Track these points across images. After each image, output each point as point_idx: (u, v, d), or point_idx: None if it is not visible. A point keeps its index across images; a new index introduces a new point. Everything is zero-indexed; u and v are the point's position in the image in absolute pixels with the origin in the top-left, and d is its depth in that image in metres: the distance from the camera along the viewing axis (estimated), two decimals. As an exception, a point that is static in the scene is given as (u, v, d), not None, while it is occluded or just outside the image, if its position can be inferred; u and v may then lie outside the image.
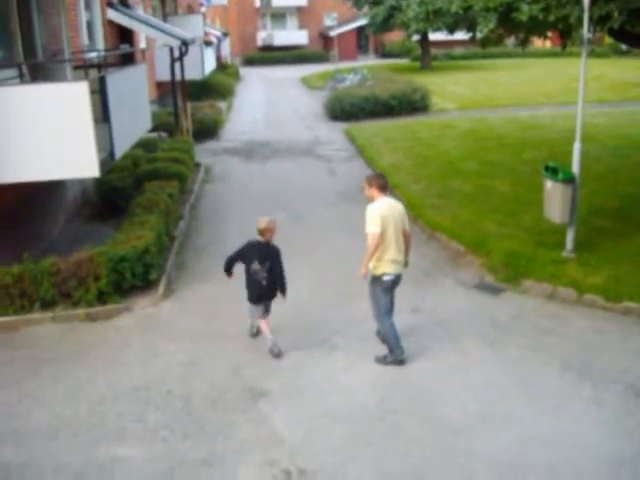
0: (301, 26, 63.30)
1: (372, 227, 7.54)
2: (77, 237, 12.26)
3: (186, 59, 19.56)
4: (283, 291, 8.22)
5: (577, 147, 10.01)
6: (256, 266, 8.05)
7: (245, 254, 8.17)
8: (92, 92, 9.28)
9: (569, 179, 9.99)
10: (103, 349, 8.61)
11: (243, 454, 6.45)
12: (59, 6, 13.60)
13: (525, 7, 10.77)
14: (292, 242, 10.34)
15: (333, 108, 26.09)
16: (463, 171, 16.19)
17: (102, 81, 10.10)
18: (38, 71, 12.20)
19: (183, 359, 8.25)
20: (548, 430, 6.62)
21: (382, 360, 7.93)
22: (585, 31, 9.68)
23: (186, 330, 9.04)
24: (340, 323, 9.01)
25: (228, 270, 8.36)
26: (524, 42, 14.15)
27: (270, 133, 24.09)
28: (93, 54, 15.75)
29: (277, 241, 8.25)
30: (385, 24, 42.98)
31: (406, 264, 7.97)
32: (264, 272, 8.06)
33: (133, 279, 9.78)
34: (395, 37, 54.80)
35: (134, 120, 12.42)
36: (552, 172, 10.17)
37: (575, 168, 10.06)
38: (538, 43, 42.59)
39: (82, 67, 13.73)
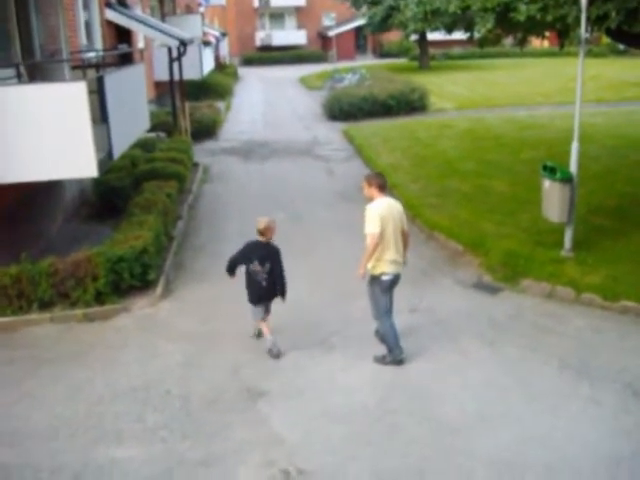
0: (299, 26, 63.30)
1: (371, 227, 7.53)
2: (75, 237, 12.24)
3: (184, 59, 19.57)
4: (283, 293, 8.17)
5: (575, 147, 10.02)
6: (256, 266, 8.02)
7: (245, 254, 8.15)
8: (90, 92, 9.29)
9: (567, 178, 10.00)
10: (101, 349, 8.61)
11: (242, 454, 6.44)
12: (57, 6, 13.60)
13: (523, 7, 10.76)
14: (291, 242, 10.33)
15: (331, 108, 26.10)
16: (461, 171, 16.20)
17: (100, 81, 10.10)
18: (36, 71, 12.19)
19: (181, 359, 8.25)
20: (546, 429, 6.63)
21: (381, 360, 7.93)
22: (583, 31, 9.70)
23: (184, 330, 9.03)
24: (339, 323, 9.01)
25: (232, 272, 8.31)
26: (522, 42, 14.13)
27: (268, 133, 24.09)
28: (91, 54, 15.74)
29: (276, 241, 8.24)
30: (383, 24, 43.04)
31: (404, 263, 7.97)
32: (264, 273, 8.02)
33: (131, 279, 9.78)
34: (393, 37, 54.80)
35: (132, 120, 12.42)
36: (550, 171, 10.18)
37: (573, 167, 10.07)
38: (536, 43, 42.58)
39: (80, 67, 13.73)
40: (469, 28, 14.15)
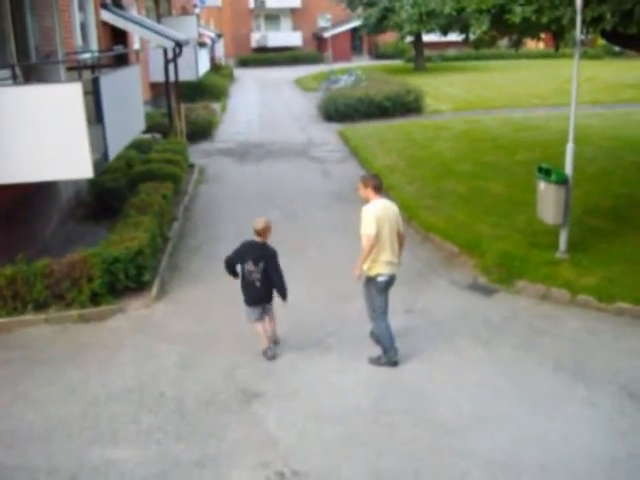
0: (295, 27, 63.32)
1: (368, 228, 7.53)
2: (70, 238, 12.23)
3: (180, 60, 19.55)
4: (283, 294, 8.09)
5: (570, 148, 10.03)
6: (250, 267, 7.97)
7: (240, 254, 8.11)
8: (86, 93, 9.27)
9: (562, 180, 10.01)
10: (96, 350, 8.59)
11: (236, 456, 6.44)
12: (52, 7, 13.58)
13: (518, 9, 10.79)
14: (286, 243, 10.33)
15: (327, 109, 26.12)
16: (457, 172, 16.21)
17: (96, 82, 10.08)
18: (31, 72, 12.17)
19: (176, 360, 8.24)
20: (542, 431, 6.64)
21: (376, 361, 7.93)
22: (578, 33, 9.71)
23: (179, 331, 9.02)
24: (335, 324, 9.01)
25: (232, 272, 8.23)
26: (517, 44, 14.17)
27: (264, 134, 24.09)
28: (87, 55, 15.73)
29: (271, 242, 8.20)
30: (379, 25, 43.07)
31: (399, 264, 7.97)
32: (258, 273, 7.97)
33: (126, 280, 9.77)
34: (389, 38, 54.83)
35: (128, 121, 12.41)
36: (545, 173, 10.19)
37: (568, 169, 10.08)
38: (531, 45, 42.82)
39: (76, 68, 13.72)
40: (464, 30, 14.20)
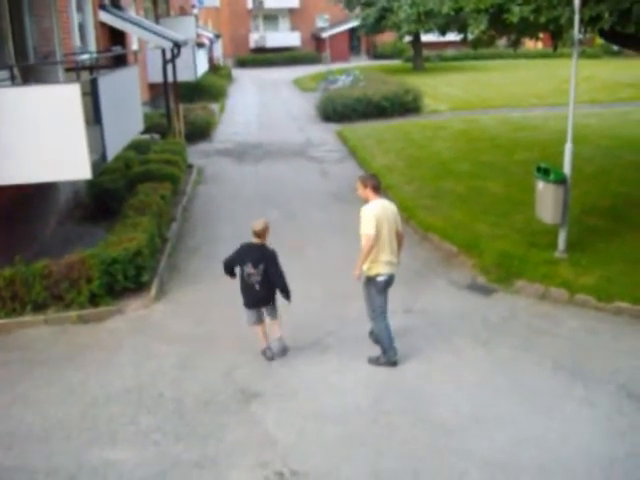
0: (293, 28, 63.32)
1: (367, 228, 7.53)
2: (69, 239, 12.23)
3: (178, 61, 19.54)
4: (287, 295, 8.02)
5: (569, 148, 10.03)
6: (250, 269, 7.89)
7: (240, 256, 8.05)
8: (84, 94, 9.27)
9: (561, 180, 10.02)
10: (95, 351, 8.59)
11: (235, 456, 6.44)
12: (51, 8, 13.58)
13: (516, 8, 10.78)
14: (285, 243, 10.31)
15: (325, 109, 26.11)
16: (456, 172, 16.21)
17: (94, 83, 10.08)
18: (29, 73, 12.17)
19: (175, 361, 8.24)
20: (540, 430, 6.64)
21: (375, 361, 7.94)
22: (576, 32, 9.72)
23: (178, 332, 9.02)
24: (333, 324, 9.01)
25: (230, 272, 8.18)
26: (515, 43, 14.17)
27: (262, 134, 24.09)
28: (85, 56, 15.72)
29: (270, 242, 8.18)
30: (377, 25, 43.04)
31: (398, 263, 7.97)
32: (257, 275, 7.89)
33: (125, 281, 9.77)
34: (387, 38, 54.85)
35: (126, 122, 12.41)
36: (544, 173, 10.20)
37: (567, 169, 10.08)
38: (529, 44, 42.78)
39: (74, 69, 13.68)
40: (462, 29, 14.19)
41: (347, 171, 17.48)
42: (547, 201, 10.22)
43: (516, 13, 10.76)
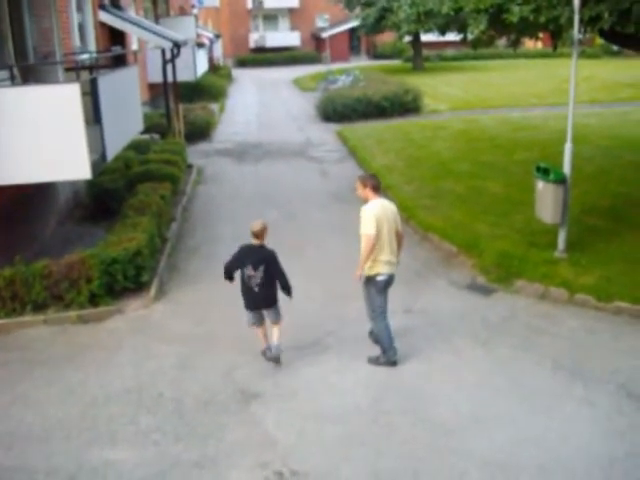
0: (293, 27, 63.32)
1: (367, 228, 7.53)
2: (69, 239, 12.23)
3: (178, 61, 19.54)
4: (288, 291, 7.95)
5: (568, 147, 10.03)
6: (250, 271, 7.79)
7: (239, 259, 7.96)
8: (84, 94, 9.27)
9: (560, 180, 10.02)
10: (95, 351, 8.59)
11: (235, 456, 6.44)
12: (50, 8, 13.58)
13: (516, 8, 10.78)
14: (285, 243, 10.32)
15: (325, 109, 26.11)
16: (455, 172, 16.21)
17: (94, 83, 10.08)
18: (29, 73, 12.17)
19: (175, 361, 8.24)
20: (540, 430, 6.64)
21: (375, 361, 7.94)
22: (575, 32, 9.72)
23: (178, 332, 9.02)
24: (333, 324, 9.01)
25: (229, 277, 8.09)
26: (515, 43, 14.17)
27: (262, 134, 24.09)
28: (85, 56, 15.72)
29: (269, 242, 8.16)
30: (377, 25, 43.05)
31: (398, 263, 7.97)
32: (257, 278, 7.80)
33: (125, 281, 9.77)
34: (387, 38, 54.84)
35: (126, 122, 12.41)
36: (543, 173, 10.20)
37: (566, 168, 10.08)
38: (529, 44, 42.77)
39: (74, 69, 13.68)
40: (462, 29, 14.19)
41: (347, 171, 17.48)
42: (547, 201, 10.22)
43: (516, 13, 10.76)
